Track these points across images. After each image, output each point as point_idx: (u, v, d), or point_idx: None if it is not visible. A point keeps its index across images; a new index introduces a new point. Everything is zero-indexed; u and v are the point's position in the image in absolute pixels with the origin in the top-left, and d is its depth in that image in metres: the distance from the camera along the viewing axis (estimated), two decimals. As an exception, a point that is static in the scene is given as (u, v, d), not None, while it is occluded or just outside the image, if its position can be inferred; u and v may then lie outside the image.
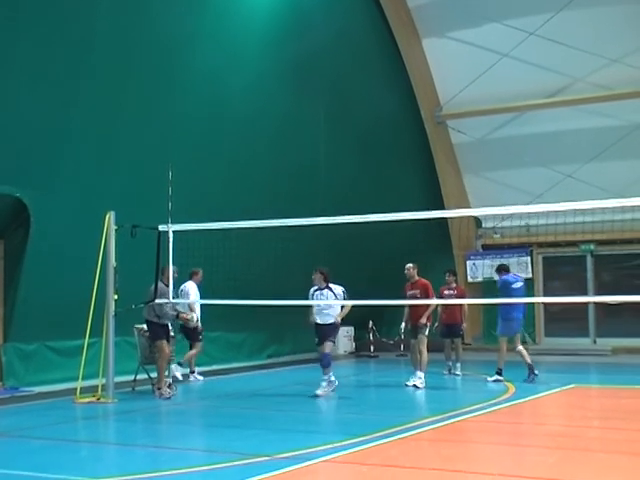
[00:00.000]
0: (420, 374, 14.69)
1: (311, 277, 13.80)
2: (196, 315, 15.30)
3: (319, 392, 13.49)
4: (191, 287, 15.72)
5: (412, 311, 14.96)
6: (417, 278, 15.00)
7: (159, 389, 13.58)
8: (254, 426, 10.93)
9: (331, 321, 13.83)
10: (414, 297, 14.67)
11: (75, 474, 7.83)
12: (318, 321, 13.84)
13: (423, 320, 14.79)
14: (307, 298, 13.85)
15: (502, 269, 15.91)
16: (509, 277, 15.67)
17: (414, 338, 15.03)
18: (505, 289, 15.37)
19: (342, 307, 13.91)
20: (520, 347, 15.50)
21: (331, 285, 13.83)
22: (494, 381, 15.34)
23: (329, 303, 13.68)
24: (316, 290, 13.86)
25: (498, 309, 15.82)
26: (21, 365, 14.54)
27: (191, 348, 15.76)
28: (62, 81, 14.08)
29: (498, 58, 21.46)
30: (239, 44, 17.51)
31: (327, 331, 13.78)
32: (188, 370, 15.89)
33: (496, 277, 16.21)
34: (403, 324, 15.46)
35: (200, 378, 16.12)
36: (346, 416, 12.19)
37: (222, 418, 11.79)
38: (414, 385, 14.62)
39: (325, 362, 13.70)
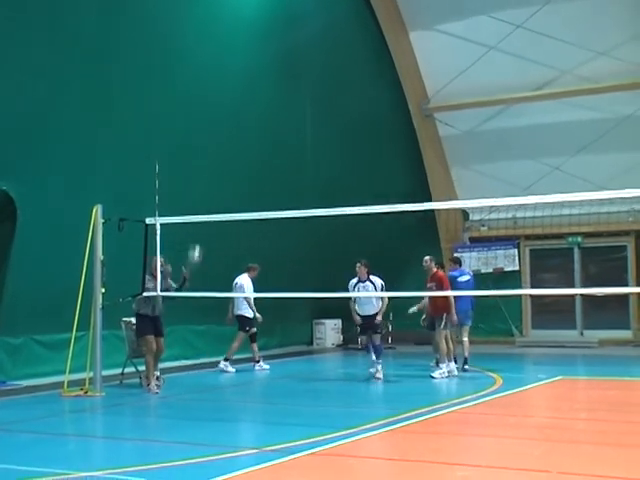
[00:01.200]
0: (442, 365, 15.04)
1: (299, 270, 13.90)
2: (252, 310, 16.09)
3: (378, 375, 14.57)
4: (245, 281, 16.32)
5: (429, 303, 15.49)
6: (434, 270, 15.19)
7: (147, 385, 13.56)
8: (242, 419, 10.94)
9: (374, 312, 14.60)
10: (431, 290, 15.15)
11: (63, 468, 7.82)
12: (360, 313, 14.67)
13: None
14: (302, 291, 13.94)
15: (453, 261, 16.70)
16: (455, 272, 16.10)
17: (433, 329, 15.42)
18: (451, 283, 15.54)
19: (382, 301, 14.68)
20: (465, 339, 15.92)
21: (372, 277, 14.52)
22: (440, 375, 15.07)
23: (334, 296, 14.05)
24: (358, 282, 14.51)
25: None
26: (8, 359, 14.48)
27: (252, 341, 16.58)
28: (48, 74, 14.05)
29: (485, 51, 21.49)
30: (226, 37, 17.50)
31: (371, 322, 14.62)
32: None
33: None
34: (423, 316, 16.12)
35: (266, 367, 16.63)
36: (334, 409, 12.21)
37: (209, 411, 11.79)
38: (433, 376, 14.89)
39: (378, 352, 14.77)
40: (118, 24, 15.10)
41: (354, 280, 14.52)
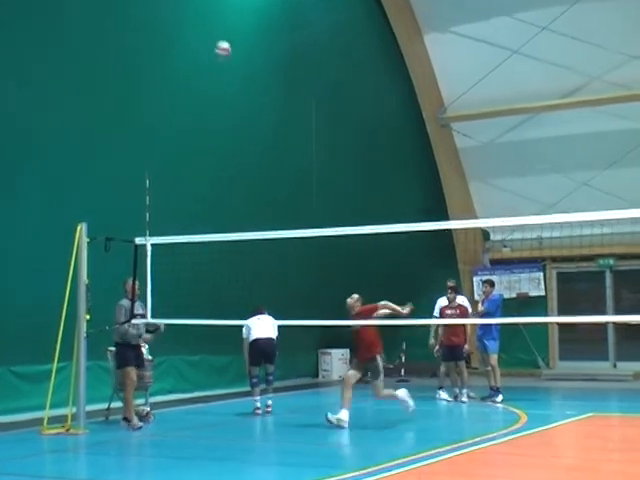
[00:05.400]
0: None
1: (305, 294, 13.91)
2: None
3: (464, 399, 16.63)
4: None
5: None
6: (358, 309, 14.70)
7: (127, 420, 13.49)
8: (239, 459, 10.88)
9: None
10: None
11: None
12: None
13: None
14: (307, 317, 13.88)
15: (490, 284, 17.46)
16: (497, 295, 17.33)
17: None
18: (500, 307, 16.72)
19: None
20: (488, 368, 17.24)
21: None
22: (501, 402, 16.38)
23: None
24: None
25: (489, 328, 16.86)
26: (-17, 392, 14.49)
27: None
28: (31, 81, 14.09)
29: (507, 55, 21.51)
30: (224, 40, 17.51)
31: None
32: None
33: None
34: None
35: (445, 396, 17.14)
36: (342, 447, 12.15)
37: (201, 450, 11.74)
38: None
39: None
40: (107, 28, 15.13)
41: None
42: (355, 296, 14.06)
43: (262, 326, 15.69)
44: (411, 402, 13.98)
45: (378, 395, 13.88)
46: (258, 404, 15.38)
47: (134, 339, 13.72)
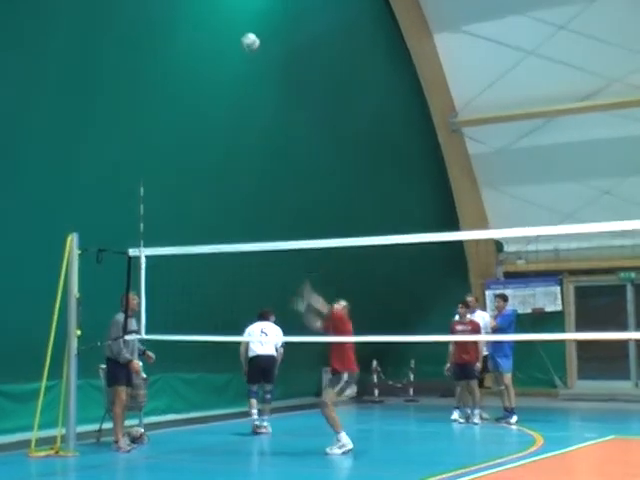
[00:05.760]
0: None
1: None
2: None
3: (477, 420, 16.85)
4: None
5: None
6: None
7: (116, 442, 13.50)
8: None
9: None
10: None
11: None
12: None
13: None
14: (309, 334, 13.89)
15: (503, 299, 17.74)
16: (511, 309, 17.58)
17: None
18: (513, 323, 16.94)
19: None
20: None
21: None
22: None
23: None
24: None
25: (501, 345, 17.02)
26: (-34, 413, 14.49)
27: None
28: (16, 80, 13.98)
29: (522, 56, 21.53)
30: (222, 40, 17.53)
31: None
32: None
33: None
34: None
35: (456, 417, 17.21)
36: (343, 471, 12.15)
37: (198, 474, 11.76)
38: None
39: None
40: (98, 26, 15.08)
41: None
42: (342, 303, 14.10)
43: (264, 341, 15.75)
44: (337, 450, 13.26)
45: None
46: (257, 422, 15.44)
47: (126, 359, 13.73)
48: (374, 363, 22.46)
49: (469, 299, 17.99)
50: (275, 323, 16.34)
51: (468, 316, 17.37)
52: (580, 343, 22.82)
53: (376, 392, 22.35)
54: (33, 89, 14.30)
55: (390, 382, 22.75)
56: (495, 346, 17.03)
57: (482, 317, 17.89)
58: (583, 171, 22.08)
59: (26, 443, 13.29)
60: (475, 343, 17.13)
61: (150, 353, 14.46)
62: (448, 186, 23.72)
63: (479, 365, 17.31)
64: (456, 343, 17.08)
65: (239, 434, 15.81)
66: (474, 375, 17.18)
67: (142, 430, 14.28)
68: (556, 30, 20.91)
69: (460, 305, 17.42)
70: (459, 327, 17.22)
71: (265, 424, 15.77)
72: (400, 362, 22.67)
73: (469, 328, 17.13)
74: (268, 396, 16.09)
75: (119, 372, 13.71)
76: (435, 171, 23.55)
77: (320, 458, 13.01)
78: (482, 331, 17.23)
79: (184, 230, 16.25)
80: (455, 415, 17.18)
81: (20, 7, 13.88)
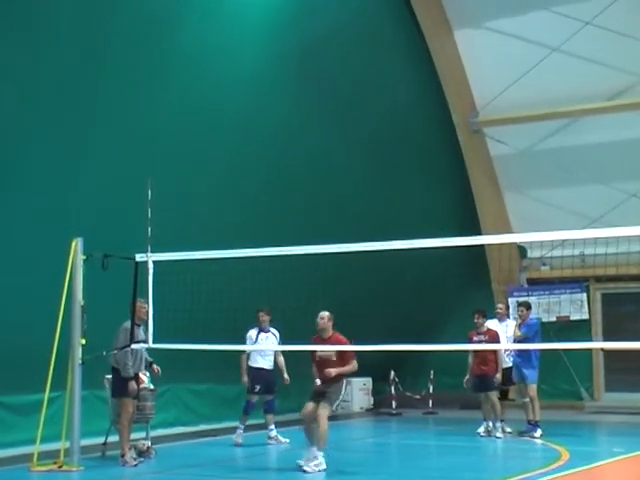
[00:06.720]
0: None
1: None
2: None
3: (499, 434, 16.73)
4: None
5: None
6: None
7: (122, 456, 13.48)
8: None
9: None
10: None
11: None
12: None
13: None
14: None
15: (526, 307, 17.41)
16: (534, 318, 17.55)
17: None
18: (538, 332, 16.90)
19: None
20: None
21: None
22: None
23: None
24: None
25: (528, 355, 16.83)
26: (-33, 425, 14.51)
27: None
28: (18, 77, 14.01)
29: (547, 53, 21.47)
30: (234, 34, 17.54)
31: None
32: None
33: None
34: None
35: (481, 430, 17.10)
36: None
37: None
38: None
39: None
40: (102, 19, 15.10)
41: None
42: (325, 314, 13.56)
43: (268, 354, 15.94)
44: (309, 465, 12.88)
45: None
46: (239, 439, 15.73)
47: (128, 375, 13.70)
48: (392, 374, 22.39)
49: (499, 307, 17.93)
50: (275, 327, 16.47)
51: (488, 325, 17.26)
52: (607, 353, 22.73)
53: (394, 404, 22.26)
54: (36, 91, 14.35)
55: (408, 393, 22.67)
56: (521, 357, 16.90)
57: (507, 325, 17.84)
58: (610, 173, 21.98)
59: (28, 457, 13.29)
60: (494, 354, 17.04)
61: (156, 366, 14.41)
62: (469, 189, 23.66)
63: (499, 377, 17.20)
64: (475, 354, 16.99)
65: (250, 446, 15.77)
66: (493, 387, 17.06)
67: (149, 443, 14.25)
68: (581, 25, 20.81)
69: (476, 315, 17.27)
70: (476, 337, 17.07)
71: (272, 434, 15.91)
72: (419, 373, 22.62)
73: (486, 338, 17.00)
74: (269, 407, 16.22)
75: (123, 383, 13.66)
76: (455, 173, 23.49)
77: (334, 472, 12.94)
78: (507, 341, 17.13)
79: (194, 234, 16.23)
80: (481, 428, 17.08)
81: (23, 4, 13.91)
